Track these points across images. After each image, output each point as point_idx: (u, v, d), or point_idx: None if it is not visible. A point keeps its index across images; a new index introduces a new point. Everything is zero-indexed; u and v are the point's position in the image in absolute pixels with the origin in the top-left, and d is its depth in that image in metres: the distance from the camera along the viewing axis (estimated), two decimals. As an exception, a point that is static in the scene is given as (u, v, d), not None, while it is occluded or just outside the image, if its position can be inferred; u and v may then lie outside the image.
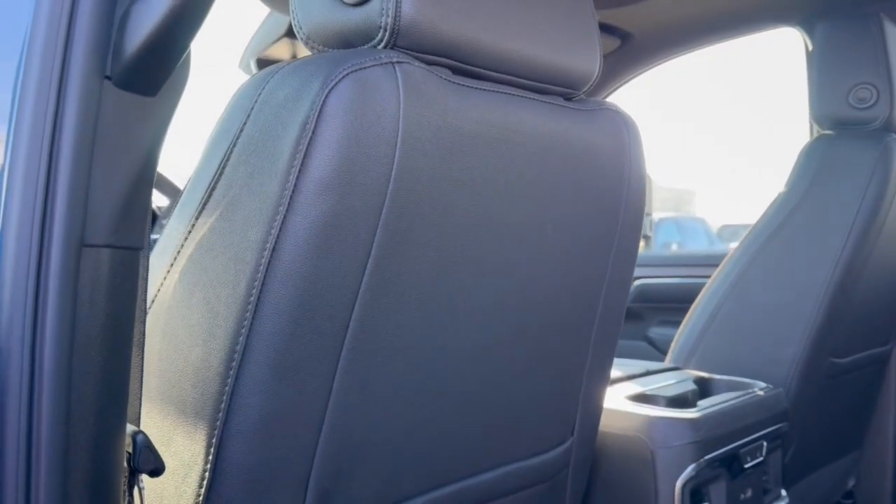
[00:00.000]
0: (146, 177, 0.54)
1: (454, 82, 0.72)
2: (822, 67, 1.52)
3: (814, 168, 1.48)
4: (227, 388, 0.64)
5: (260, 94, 0.66)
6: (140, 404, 0.61)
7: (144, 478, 0.58)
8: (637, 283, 2.39)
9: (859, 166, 1.42)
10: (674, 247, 10.75)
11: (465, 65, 0.74)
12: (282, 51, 1.44)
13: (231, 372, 0.63)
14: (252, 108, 0.65)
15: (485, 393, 0.83)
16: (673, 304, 2.25)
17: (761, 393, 1.31)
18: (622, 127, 0.89)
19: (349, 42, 0.69)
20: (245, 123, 0.65)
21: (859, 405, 1.81)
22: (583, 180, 0.85)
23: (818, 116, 1.53)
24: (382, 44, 0.67)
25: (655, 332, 2.47)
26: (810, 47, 1.62)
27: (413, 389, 0.75)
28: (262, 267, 0.62)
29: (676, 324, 1.83)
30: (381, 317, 0.69)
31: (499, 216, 0.76)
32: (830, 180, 1.45)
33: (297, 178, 0.62)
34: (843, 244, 1.40)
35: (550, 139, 0.80)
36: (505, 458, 0.89)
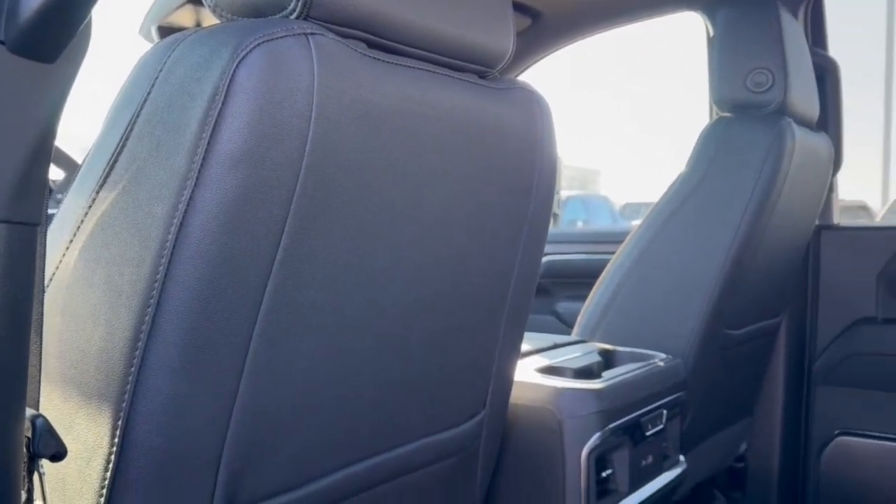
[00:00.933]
0: (44, 147, 0.51)
1: (369, 56, 0.71)
2: (721, 52, 1.59)
3: (712, 149, 1.55)
4: (132, 368, 0.62)
5: (165, 63, 0.63)
6: (39, 387, 0.58)
7: (45, 463, 0.56)
8: (546, 259, 2.45)
9: (755, 148, 1.51)
10: (580, 224, 11.08)
11: (380, 39, 0.73)
12: (185, 18, 1.39)
13: (137, 353, 0.62)
14: (156, 78, 0.63)
15: (400, 368, 0.84)
16: (579, 279, 2.32)
17: (661, 364, 1.38)
18: (534, 106, 0.91)
19: (259, 11, 0.68)
20: (149, 94, 0.63)
21: (751, 374, 1.93)
22: (497, 158, 0.86)
23: (717, 99, 1.61)
24: (295, 14, 0.66)
25: (563, 306, 2.55)
26: (711, 32, 1.69)
27: (327, 366, 0.74)
28: (168, 244, 0.61)
29: (583, 298, 1.89)
30: (296, 293, 0.68)
31: (414, 192, 0.76)
32: (728, 161, 1.53)
33: (206, 151, 0.60)
34: (739, 223, 1.48)
35: (465, 116, 0.81)
36: (420, 433, 0.90)
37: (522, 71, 2.09)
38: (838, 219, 2.13)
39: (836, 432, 2.01)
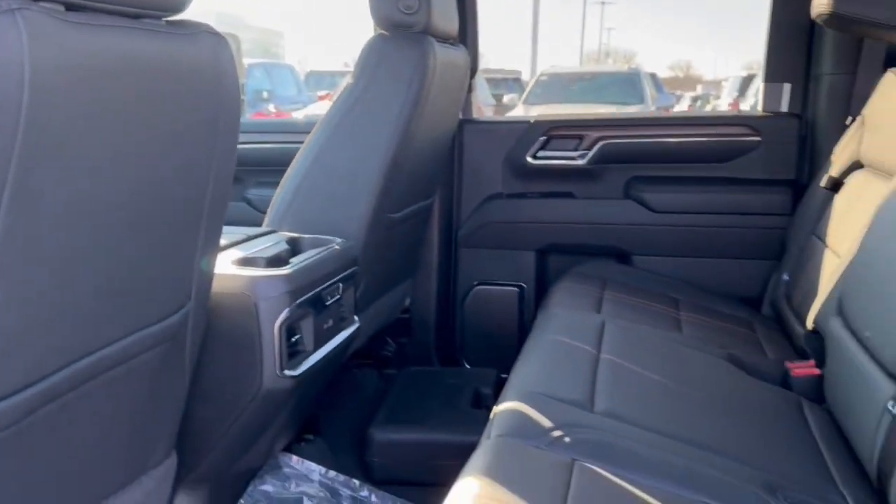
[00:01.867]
0: None
1: (69, 21, 0.82)
2: None
3: (373, 63, 1.83)
4: None
5: None
6: None
7: None
8: (238, 147, 2.58)
9: (406, 64, 1.81)
10: (264, 94, 10.90)
11: (75, 0, 0.84)
12: None
13: None
14: None
15: (117, 276, 1.00)
16: (269, 167, 2.52)
17: (338, 247, 1.69)
18: (217, 46, 1.08)
19: None
20: None
21: (412, 245, 2.36)
22: (188, 94, 1.02)
23: (376, 17, 1.87)
24: None
25: (253, 193, 2.74)
26: None
27: (55, 278, 0.88)
28: None
29: (272, 185, 2.10)
30: (23, 229, 0.81)
31: (122, 134, 0.91)
32: (385, 74, 1.82)
33: None
34: (394, 126, 1.80)
35: (156, 62, 0.95)
36: (135, 327, 1.08)
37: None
38: (476, 114, 2.60)
39: (475, 283, 2.58)
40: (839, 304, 1.51)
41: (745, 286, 2.30)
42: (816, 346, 1.61)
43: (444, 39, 1.99)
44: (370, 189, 1.82)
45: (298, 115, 10.38)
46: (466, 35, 2.37)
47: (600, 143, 2.45)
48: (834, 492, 1.20)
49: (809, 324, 1.74)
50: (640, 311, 1.96)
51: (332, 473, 1.76)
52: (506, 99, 12.87)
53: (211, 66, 1.06)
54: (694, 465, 1.17)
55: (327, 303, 1.60)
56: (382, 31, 1.88)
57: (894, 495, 1.09)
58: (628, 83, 11.89)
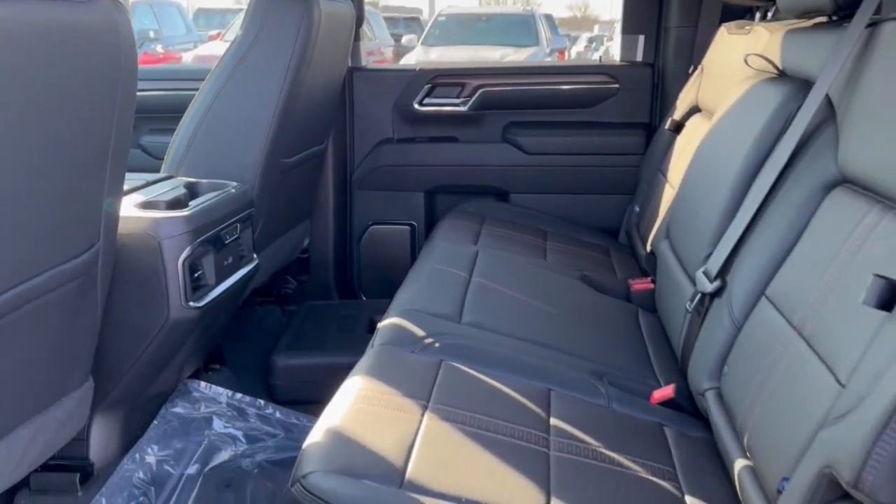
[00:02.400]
0: None
1: None
2: None
3: (259, 18, 1.94)
4: None
5: None
6: None
7: None
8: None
9: (292, 18, 1.94)
10: (151, 34, 10.43)
11: None
12: None
13: None
14: None
15: (28, 220, 1.13)
16: (161, 114, 2.59)
17: (234, 190, 1.83)
18: (115, 13, 1.20)
19: None
20: None
21: (307, 188, 2.51)
22: (89, 55, 1.15)
23: None
24: None
25: (147, 140, 2.80)
26: None
27: None
28: None
29: (165, 132, 2.19)
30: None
31: (34, 92, 1.04)
32: (273, 28, 1.94)
33: None
34: (283, 79, 1.94)
35: (60, 28, 1.08)
36: (50, 264, 1.22)
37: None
38: (365, 61, 2.75)
39: (370, 223, 2.77)
40: (667, 229, 1.80)
41: (606, 218, 2.60)
42: (652, 265, 1.92)
43: (329, -7, 2.12)
44: (263, 136, 1.96)
45: (188, 56, 10.05)
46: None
47: (480, 91, 2.66)
48: (651, 377, 1.50)
49: (648, 247, 2.05)
50: (512, 242, 2.21)
51: (238, 395, 1.95)
52: (404, 40, 12.84)
53: (109, 29, 1.18)
54: (540, 361, 1.43)
55: (226, 241, 1.76)
56: (269, -14, 1.99)
57: (690, 374, 1.39)
58: (524, 25, 12.09)
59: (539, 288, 1.84)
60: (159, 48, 10.15)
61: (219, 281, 1.72)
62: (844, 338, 0.93)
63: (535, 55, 10.61)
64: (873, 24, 1.19)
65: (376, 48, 10.27)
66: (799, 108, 1.32)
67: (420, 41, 11.93)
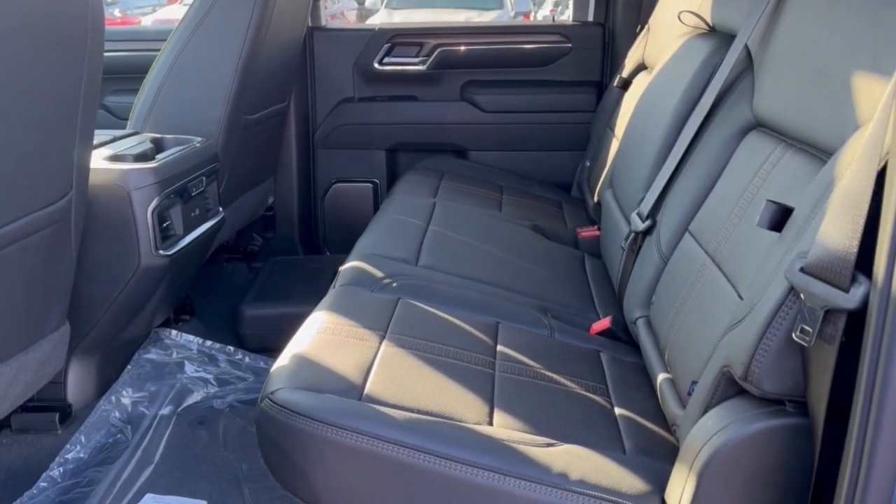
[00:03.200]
0: None
1: None
2: None
3: (222, -24, 2.00)
4: None
5: None
6: None
7: None
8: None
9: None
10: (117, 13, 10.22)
11: None
12: None
13: None
14: None
15: (4, 168, 1.20)
16: (124, 74, 2.62)
17: (199, 145, 1.90)
18: None
19: None
20: None
21: (271, 146, 2.58)
22: (58, 13, 1.22)
23: None
24: None
25: (110, 100, 2.83)
26: None
27: None
28: None
29: (127, 92, 2.22)
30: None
31: (9, 51, 1.10)
32: (234, -13, 2.00)
33: None
34: (244, 37, 2.00)
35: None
36: (26, 210, 1.30)
37: None
38: (325, 21, 2.81)
39: (333, 181, 2.85)
40: (611, 179, 1.93)
41: (560, 173, 2.72)
42: (599, 214, 2.04)
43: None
44: (225, 92, 2.03)
45: (147, 20, 9.86)
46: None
47: (439, 50, 2.74)
48: (592, 311, 1.63)
49: (595, 197, 2.17)
50: (469, 196, 2.32)
51: (209, 343, 2.04)
52: (368, 2, 12.71)
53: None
54: (488, 298, 1.55)
55: (193, 194, 1.83)
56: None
57: (624, 305, 1.52)
58: (487, -14, 12.03)
59: (492, 236, 1.95)
60: (117, 12, 9.95)
61: (187, 231, 1.81)
62: (745, 259, 1.06)
63: (499, 18, 10.61)
64: (785, -18, 1.31)
65: (339, 11, 10.18)
66: (723, 60, 1.44)
67: (383, 4, 11.83)
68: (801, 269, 0.81)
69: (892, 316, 0.67)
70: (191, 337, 2.04)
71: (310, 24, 2.68)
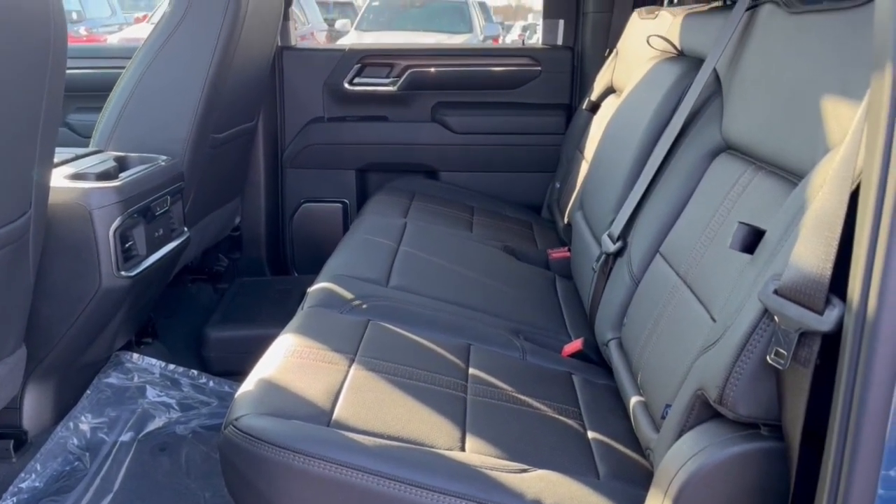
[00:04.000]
0: None
1: None
2: None
3: (189, -8, 1.97)
4: None
5: None
6: None
7: None
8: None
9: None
10: (73, 15, 10.07)
11: None
12: None
13: None
14: None
15: None
16: (87, 92, 2.57)
17: (164, 163, 1.86)
18: None
19: None
20: None
21: (238, 165, 2.55)
22: (20, 30, 1.18)
23: None
24: None
25: (73, 118, 2.77)
26: None
27: None
28: None
29: (91, 110, 2.18)
30: None
31: None
32: (202, 5, 1.97)
33: None
34: (211, 55, 1.97)
35: None
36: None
37: None
38: (295, 41, 2.79)
39: (302, 201, 2.82)
40: (581, 201, 1.93)
41: (530, 194, 2.72)
42: (570, 235, 2.05)
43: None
44: (192, 111, 1.99)
45: (113, 38, 9.74)
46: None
47: (409, 72, 2.74)
48: (563, 333, 1.62)
49: (566, 219, 2.18)
50: (440, 216, 2.31)
51: (171, 366, 1.99)
52: (338, 24, 12.75)
53: (41, 9, 1.21)
54: (460, 320, 1.54)
55: (157, 213, 1.79)
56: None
57: (596, 327, 1.51)
58: (458, 12, 12.16)
59: (463, 256, 1.94)
60: (82, 30, 9.81)
61: (150, 252, 1.76)
62: (717, 281, 1.06)
63: (469, 41, 10.72)
64: (753, 7, 1.33)
65: (309, 32, 10.20)
66: (692, 83, 1.45)
67: (354, 26, 11.88)
68: (775, 292, 0.81)
69: (868, 339, 0.67)
70: (153, 360, 1.99)
71: (279, 44, 2.66)
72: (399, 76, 2.74)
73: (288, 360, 1.24)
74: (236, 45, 2.06)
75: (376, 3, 12.31)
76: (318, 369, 1.22)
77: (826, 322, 0.75)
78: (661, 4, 2.28)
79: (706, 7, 1.68)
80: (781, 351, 0.79)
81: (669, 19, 1.89)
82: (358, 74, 2.75)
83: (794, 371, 0.79)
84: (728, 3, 1.60)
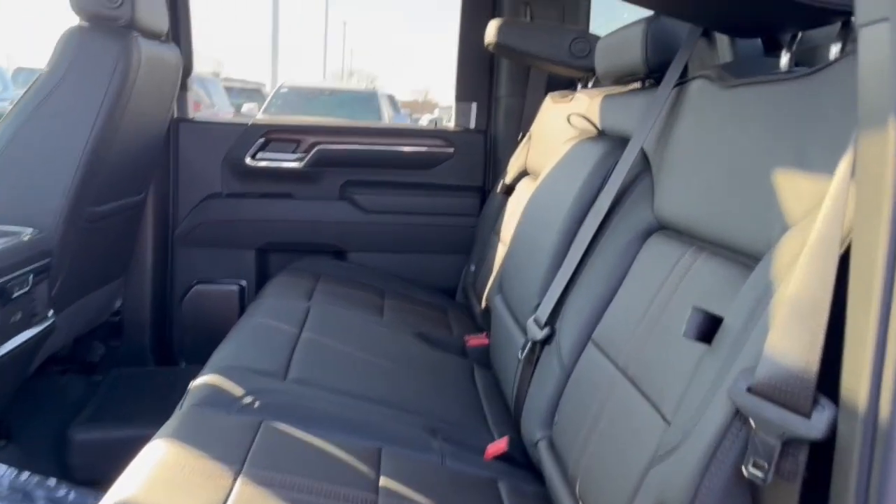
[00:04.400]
0: None
1: None
2: None
3: (72, 53, 1.78)
4: None
5: None
6: None
7: None
8: None
9: (108, 55, 1.79)
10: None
11: None
12: None
13: None
14: None
15: None
16: None
17: (27, 238, 1.62)
18: None
19: None
20: None
21: (121, 243, 2.30)
22: None
23: (77, 8, 1.82)
24: None
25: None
26: None
27: None
28: None
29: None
30: None
31: None
32: (86, 65, 1.79)
33: None
34: (94, 120, 1.77)
35: None
36: None
37: None
38: (192, 113, 2.62)
39: (194, 282, 2.58)
40: (500, 284, 1.81)
41: (444, 277, 2.59)
42: (488, 321, 1.91)
43: (153, 36, 2.00)
44: (67, 180, 1.77)
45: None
46: (179, 34, 2.38)
47: (317, 148, 2.60)
48: (485, 430, 1.45)
49: (483, 303, 2.05)
50: (348, 300, 2.13)
51: (24, 475, 1.67)
52: (244, 108, 12.63)
53: None
54: (369, 417, 1.34)
55: (14, 295, 1.54)
56: (82, 23, 1.84)
57: (523, 425, 1.36)
58: (366, 102, 12.30)
59: (373, 344, 1.76)
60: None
61: (3, 339, 1.50)
62: (667, 375, 0.94)
63: (377, 128, 10.76)
64: (680, 84, 1.28)
65: (214, 115, 10.01)
66: (617, 162, 1.38)
67: (261, 111, 11.78)
68: (749, 389, 0.68)
69: (883, 450, 0.55)
70: (2, 467, 1.67)
71: (175, 115, 2.48)
72: (306, 152, 2.60)
73: (158, 473, 1.01)
74: (123, 112, 1.87)
75: (285, 90, 12.29)
76: (193, 486, 1.00)
77: (816, 427, 0.62)
78: (574, 89, 2.26)
79: (626, 89, 1.65)
80: (761, 462, 0.66)
81: (586, 101, 1.85)
82: (262, 149, 2.59)
83: (776, 487, 0.66)
84: (647, 85, 1.56)
